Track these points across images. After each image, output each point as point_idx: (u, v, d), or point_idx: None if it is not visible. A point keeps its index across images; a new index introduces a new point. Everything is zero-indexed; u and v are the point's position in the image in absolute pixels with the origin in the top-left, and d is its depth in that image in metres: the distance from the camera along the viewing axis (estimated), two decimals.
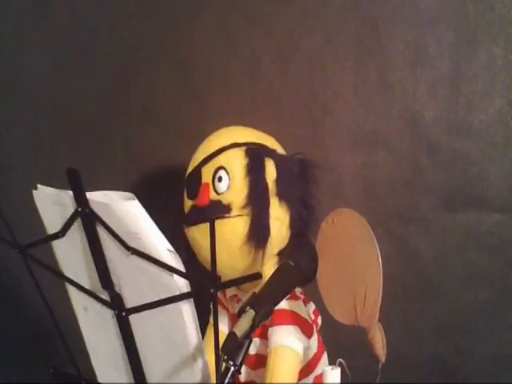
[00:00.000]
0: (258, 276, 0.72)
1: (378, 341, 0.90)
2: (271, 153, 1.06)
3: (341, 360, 0.86)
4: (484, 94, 1.25)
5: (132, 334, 0.82)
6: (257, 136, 1.09)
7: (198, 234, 1.04)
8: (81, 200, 0.75)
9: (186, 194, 1.07)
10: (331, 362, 1.07)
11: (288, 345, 1.00)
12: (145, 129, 1.48)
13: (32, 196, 0.83)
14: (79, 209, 0.75)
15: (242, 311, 0.75)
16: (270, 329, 1.03)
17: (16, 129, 1.56)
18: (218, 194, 1.02)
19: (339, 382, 0.84)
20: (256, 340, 1.07)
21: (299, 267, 0.86)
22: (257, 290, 0.80)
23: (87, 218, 0.75)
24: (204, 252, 1.04)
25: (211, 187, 1.03)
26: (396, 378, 1.20)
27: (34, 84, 1.53)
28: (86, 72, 1.50)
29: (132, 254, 0.74)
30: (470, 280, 1.30)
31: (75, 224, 0.78)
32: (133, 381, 0.86)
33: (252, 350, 1.08)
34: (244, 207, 1.01)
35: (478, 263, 1.29)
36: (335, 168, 1.32)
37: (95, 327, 0.89)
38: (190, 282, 0.75)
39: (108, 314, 0.83)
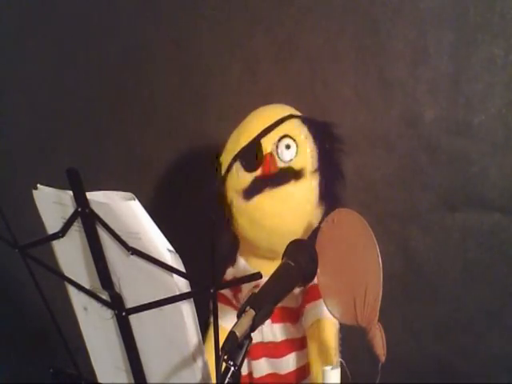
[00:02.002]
0: (258, 276, 0.72)
1: (378, 341, 0.90)
2: (328, 124, 1.10)
3: (341, 360, 0.86)
4: (484, 93, 1.25)
5: (132, 333, 0.82)
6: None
7: (267, 202, 1.03)
8: (81, 200, 0.75)
9: (242, 167, 1.06)
10: None
11: (330, 317, 1.02)
12: (145, 129, 1.48)
13: (32, 196, 0.83)
14: (79, 209, 0.75)
15: (242, 311, 0.75)
16: (307, 305, 1.06)
17: (16, 129, 1.56)
18: (284, 162, 1.04)
19: (339, 382, 0.84)
20: (286, 325, 1.09)
21: (299, 267, 0.86)
22: (256, 289, 0.81)
23: (87, 218, 0.76)
24: (270, 221, 1.04)
25: (276, 156, 1.04)
26: (396, 378, 1.20)
27: (34, 84, 1.53)
28: (86, 72, 1.50)
29: (132, 254, 0.74)
30: (470, 280, 1.30)
31: (75, 224, 0.78)
32: (133, 381, 0.86)
33: (280, 337, 1.10)
34: (315, 171, 1.05)
35: (478, 263, 1.29)
36: None
37: (95, 327, 0.89)
38: (190, 282, 0.75)
39: (108, 314, 0.83)
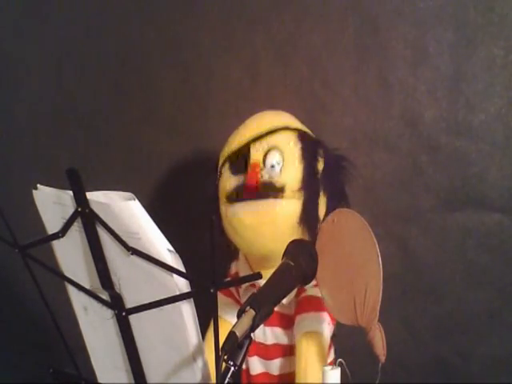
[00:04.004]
0: (257, 276, 0.72)
1: (378, 341, 0.90)
2: (321, 143, 1.07)
3: (341, 360, 0.86)
4: (484, 93, 1.25)
5: (132, 334, 0.82)
6: (303, 126, 1.10)
7: (246, 213, 1.01)
8: (81, 200, 0.75)
9: (229, 170, 1.05)
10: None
11: (319, 330, 1.01)
12: (145, 129, 1.48)
13: (32, 196, 0.83)
14: (79, 209, 0.75)
15: (241, 311, 0.75)
16: (297, 316, 1.04)
17: (16, 129, 1.56)
18: (268, 175, 1.02)
19: (339, 382, 0.84)
20: (276, 329, 1.08)
21: (299, 267, 0.86)
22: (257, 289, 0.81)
23: (87, 218, 0.76)
24: (248, 233, 1.02)
25: (261, 166, 1.02)
26: (396, 378, 1.20)
27: (34, 84, 1.53)
28: (86, 72, 1.50)
29: (132, 254, 0.74)
30: (470, 280, 1.30)
31: (75, 224, 0.78)
32: (133, 381, 0.86)
33: (270, 340, 1.09)
34: (297, 191, 1.01)
35: (478, 263, 1.29)
36: None
37: (95, 327, 0.89)
38: (190, 282, 0.75)
39: (108, 314, 0.83)
